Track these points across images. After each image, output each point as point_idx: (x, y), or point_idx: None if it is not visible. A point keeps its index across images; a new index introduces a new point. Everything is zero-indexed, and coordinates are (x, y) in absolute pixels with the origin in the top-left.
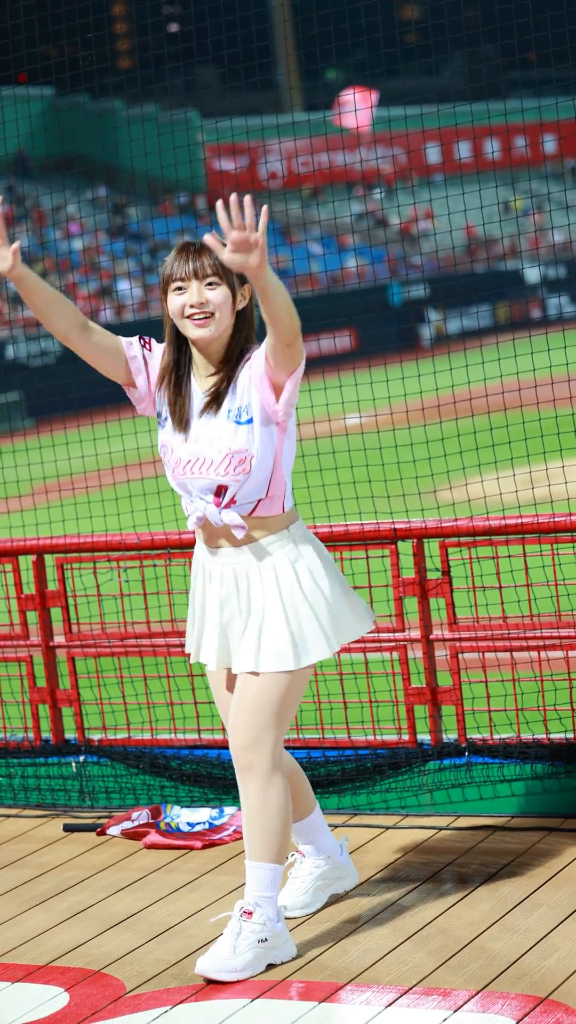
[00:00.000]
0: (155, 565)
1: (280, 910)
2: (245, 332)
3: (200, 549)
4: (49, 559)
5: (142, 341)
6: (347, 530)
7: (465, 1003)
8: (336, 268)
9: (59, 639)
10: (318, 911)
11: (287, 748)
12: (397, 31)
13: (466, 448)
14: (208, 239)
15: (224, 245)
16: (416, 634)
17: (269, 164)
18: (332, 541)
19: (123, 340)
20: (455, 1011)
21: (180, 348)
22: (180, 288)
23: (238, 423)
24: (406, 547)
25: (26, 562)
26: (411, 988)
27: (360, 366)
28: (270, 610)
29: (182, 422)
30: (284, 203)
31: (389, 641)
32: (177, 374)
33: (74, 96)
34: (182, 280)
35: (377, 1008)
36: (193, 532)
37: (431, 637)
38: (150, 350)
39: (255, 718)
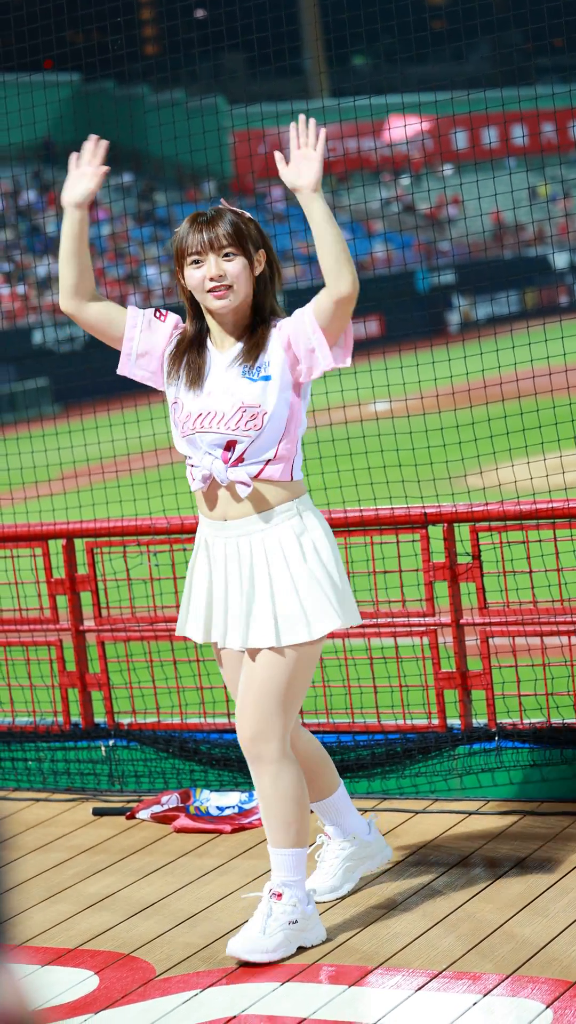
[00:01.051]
0: (185, 549)
1: (310, 893)
2: (265, 297)
3: (203, 525)
4: (79, 543)
5: (158, 313)
6: (377, 515)
7: (495, 987)
8: (363, 254)
9: (89, 623)
10: (349, 894)
11: (315, 732)
12: (426, 15)
13: (496, 433)
14: (277, 157)
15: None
16: (446, 619)
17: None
18: (363, 525)
19: (130, 308)
20: (485, 995)
21: (199, 317)
22: (197, 261)
23: (252, 379)
24: (437, 532)
25: (56, 546)
26: (441, 972)
27: (388, 352)
28: (278, 584)
29: (196, 380)
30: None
31: (419, 626)
32: (194, 339)
33: (101, 82)
34: (198, 253)
35: (407, 992)
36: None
37: (461, 622)
38: (162, 320)
39: (261, 706)
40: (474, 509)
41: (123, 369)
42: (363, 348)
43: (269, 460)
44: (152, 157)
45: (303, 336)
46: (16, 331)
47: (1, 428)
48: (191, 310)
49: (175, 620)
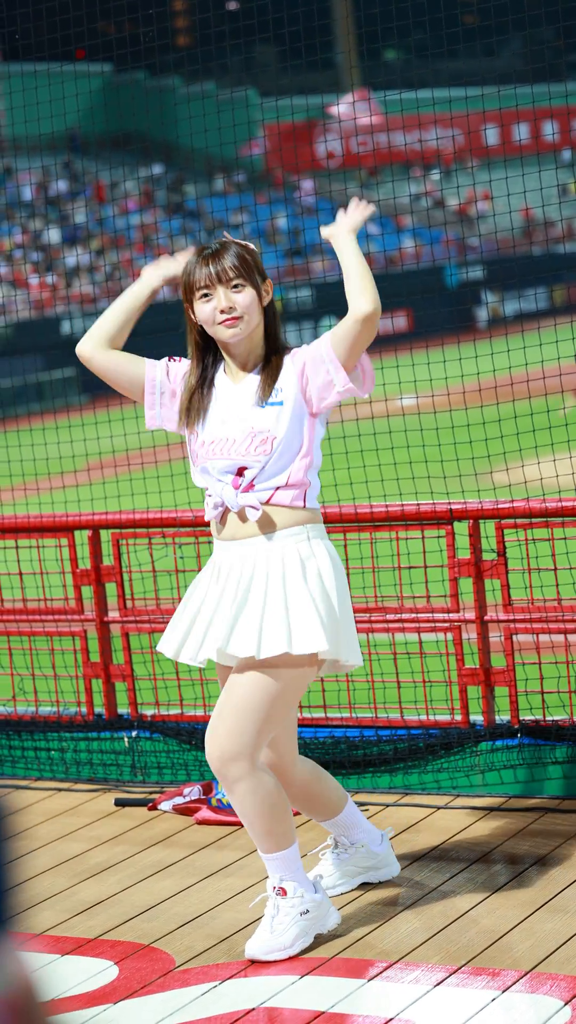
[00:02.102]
0: (210, 542)
1: (316, 880)
2: (276, 326)
3: (215, 551)
4: (105, 534)
5: (171, 360)
6: (403, 510)
7: (514, 983)
8: (392, 249)
9: (113, 614)
10: (353, 890)
11: (333, 728)
12: (458, 11)
13: (522, 430)
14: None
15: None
16: (471, 615)
17: (326, 144)
18: (388, 521)
19: (147, 363)
20: (504, 991)
21: (206, 354)
22: (206, 295)
23: (262, 405)
24: (462, 528)
25: (82, 537)
26: (460, 968)
27: (416, 347)
28: (271, 598)
29: (201, 412)
30: (342, 183)
31: (443, 621)
32: (203, 379)
33: (132, 73)
34: (207, 287)
35: (426, 987)
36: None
37: (486, 618)
38: (179, 362)
39: (236, 724)
40: (500, 506)
41: (151, 423)
42: (391, 343)
43: (280, 487)
44: (182, 148)
45: (320, 364)
46: (45, 321)
47: (28, 418)
48: (197, 351)
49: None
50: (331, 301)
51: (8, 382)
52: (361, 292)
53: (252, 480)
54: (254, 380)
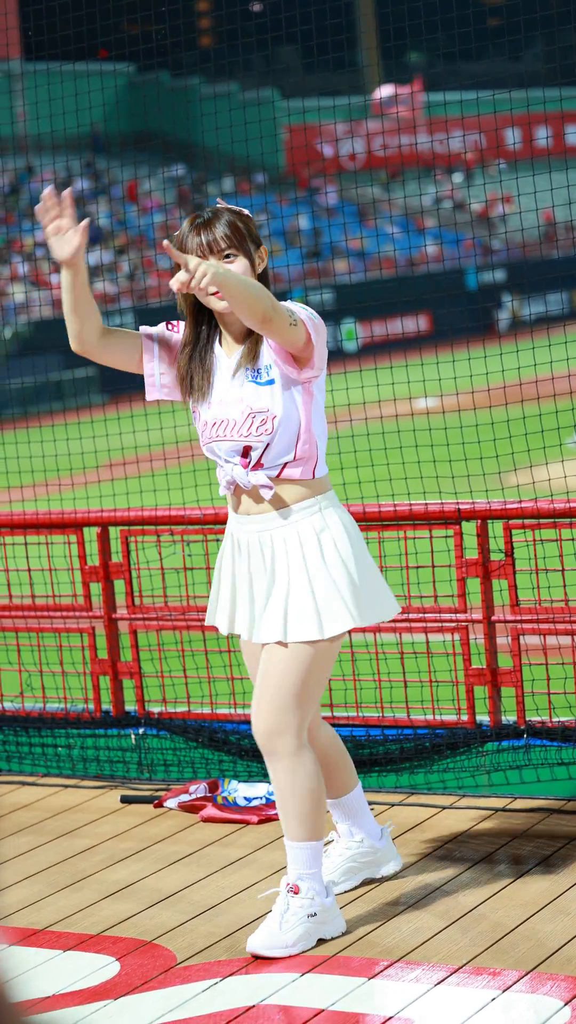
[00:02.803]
0: (218, 540)
1: (328, 885)
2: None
3: (231, 520)
4: (113, 531)
5: (169, 325)
6: (411, 510)
7: (514, 983)
8: (414, 249)
9: (122, 611)
10: (357, 888)
11: (339, 726)
12: (484, 9)
13: (537, 432)
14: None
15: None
16: (478, 615)
17: (348, 145)
18: (396, 520)
19: (142, 330)
20: (504, 991)
21: (200, 321)
22: None
23: (258, 384)
24: (470, 528)
25: (90, 534)
26: (461, 967)
27: (439, 349)
28: (295, 580)
29: (201, 390)
30: (362, 184)
31: (451, 622)
32: (197, 347)
33: (155, 72)
34: (199, 257)
35: (426, 986)
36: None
37: (493, 619)
38: (175, 330)
39: (277, 700)
40: (508, 506)
41: (150, 394)
42: (413, 344)
43: (288, 462)
44: (203, 148)
45: (275, 346)
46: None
47: (50, 415)
48: (191, 317)
49: (207, 610)
50: (351, 302)
51: (29, 381)
52: (249, 316)
53: (260, 459)
54: (240, 351)
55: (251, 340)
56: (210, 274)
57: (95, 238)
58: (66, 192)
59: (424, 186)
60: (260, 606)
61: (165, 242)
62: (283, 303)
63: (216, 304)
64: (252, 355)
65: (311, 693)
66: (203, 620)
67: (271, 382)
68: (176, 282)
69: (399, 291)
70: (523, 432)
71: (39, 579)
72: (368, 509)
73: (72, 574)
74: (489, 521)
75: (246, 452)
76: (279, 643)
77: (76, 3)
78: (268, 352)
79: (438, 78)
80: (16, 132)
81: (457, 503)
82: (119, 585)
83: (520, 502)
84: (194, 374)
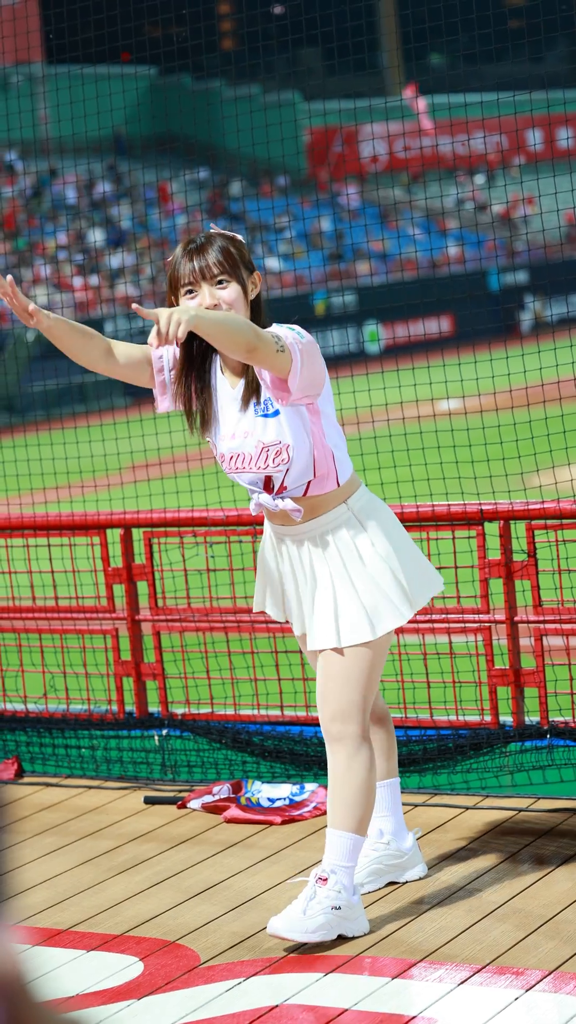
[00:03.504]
0: (241, 541)
1: (357, 886)
2: (261, 321)
3: (267, 522)
4: (136, 533)
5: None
6: (434, 510)
7: (538, 983)
8: (435, 252)
9: (145, 613)
10: (382, 889)
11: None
12: (505, 11)
13: (558, 432)
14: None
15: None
16: (501, 616)
17: (370, 147)
18: (419, 521)
19: (152, 350)
20: (527, 990)
21: (193, 348)
22: (191, 291)
23: (265, 416)
24: (493, 528)
25: (114, 535)
26: (484, 967)
27: (462, 350)
28: (339, 586)
29: (205, 421)
30: (385, 186)
31: (473, 622)
32: (194, 374)
33: (176, 75)
34: (191, 284)
35: (450, 985)
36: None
37: (516, 619)
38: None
39: (343, 693)
40: (531, 507)
41: (161, 407)
42: (435, 346)
43: (310, 481)
44: (226, 151)
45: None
46: (88, 322)
47: (73, 418)
48: (183, 346)
49: (231, 611)
50: (374, 304)
51: (52, 384)
52: (234, 351)
53: (282, 485)
54: (242, 384)
55: (252, 371)
56: (184, 322)
57: (118, 240)
58: (8, 278)
59: (446, 188)
60: (308, 610)
61: (134, 305)
62: (270, 328)
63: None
64: (255, 386)
65: (373, 681)
66: (227, 622)
67: (276, 413)
68: (153, 339)
69: (422, 293)
70: (546, 433)
71: (62, 581)
72: (391, 510)
73: (95, 576)
74: (512, 522)
75: (267, 482)
76: (334, 649)
77: (98, 6)
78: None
79: (460, 79)
80: (39, 135)
81: (480, 504)
82: (142, 587)
83: (543, 503)
84: (195, 399)
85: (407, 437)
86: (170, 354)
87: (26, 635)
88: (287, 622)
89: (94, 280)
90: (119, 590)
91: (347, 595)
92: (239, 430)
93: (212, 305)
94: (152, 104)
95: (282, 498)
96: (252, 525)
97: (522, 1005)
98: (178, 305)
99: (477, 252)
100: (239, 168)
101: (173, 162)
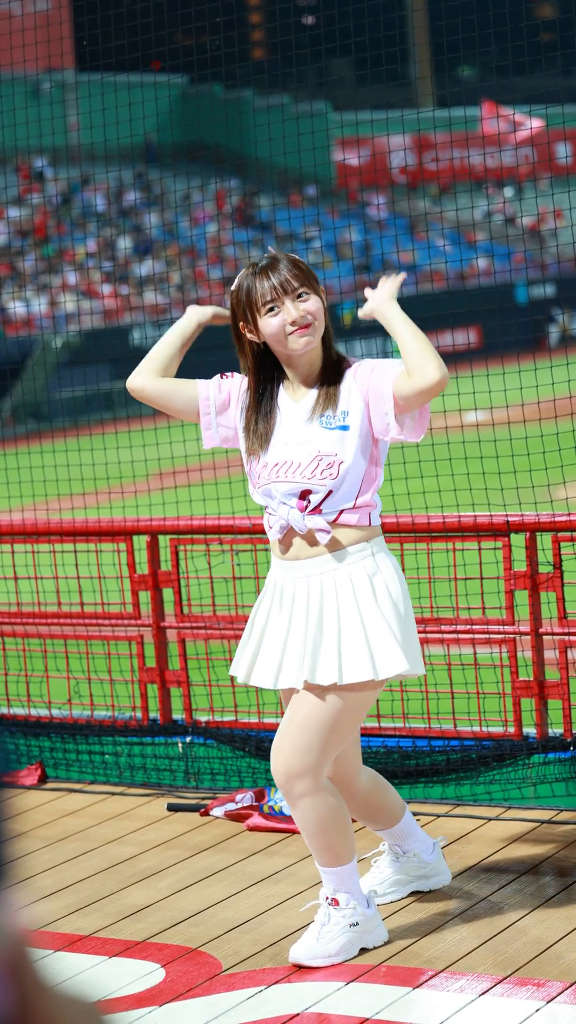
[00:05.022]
0: (267, 549)
1: (370, 895)
2: (330, 337)
3: (274, 568)
4: (163, 540)
5: (223, 376)
6: (460, 521)
7: (559, 994)
8: (465, 263)
9: (170, 620)
10: (404, 900)
11: (386, 737)
12: (538, 22)
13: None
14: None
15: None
16: (526, 628)
17: (399, 159)
18: (444, 532)
19: (199, 384)
20: (548, 1002)
21: (262, 379)
22: (273, 309)
23: (329, 428)
24: (519, 540)
25: (140, 542)
26: (505, 978)
27: (489, 362)
28: (346, 623)
29: (263, 437)
30: (414, 198)
31: (498, 634)
32: (260, 406)
33: (207, 84)
34: (273, 300)
35: (471, 996)
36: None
37: (541, 631)
38: (231, 378)
39: (299, 740)
40: (557, 518)
41: (208, 442)
42: (463, 358)
43: (346, 509)
44: (255, 160)
45: (380, 403)
46: (116, 330)
47: (100, 425)
48: (253, 375)
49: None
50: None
51: (79, 390)
52: (426, 362)
53: (319, 504)
54: (315, 395)
55: (329, 385)
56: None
57: (146, 248)
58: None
59: (475, 200)
60: (301, 650)
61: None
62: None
63: (299, 343)
64: (331, 399)
65: (338, 737)
66: None
67: (345, 428)
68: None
69: (449, 304)
70: (572, 445)
71: (88, 587)
72: (417, 520)
73: (121, 582)
74: (538, 533)
75: (304, 495)
76: (308, 688)
77: (130, 14)
78: (353, 401)
79: (491, 92)
80: (69, 142)
81: (506, 515)
82: (168, 594)
83: (569, 515)
84: (260, 427)
85: (434, 448)
86: (215, 392)
87: (51, 640)
88: (276, 691)
89: (123, 289)
90: (145, 597)
91: (354, 634)
92: (295, 437)
93: (300, 317)
94: (183, 112)
95: (313, 517)
96: None
97: (543, 1016)
98: (256, 331)
99: (505, 264)
100: (268, 177)
101: (203, 171)
